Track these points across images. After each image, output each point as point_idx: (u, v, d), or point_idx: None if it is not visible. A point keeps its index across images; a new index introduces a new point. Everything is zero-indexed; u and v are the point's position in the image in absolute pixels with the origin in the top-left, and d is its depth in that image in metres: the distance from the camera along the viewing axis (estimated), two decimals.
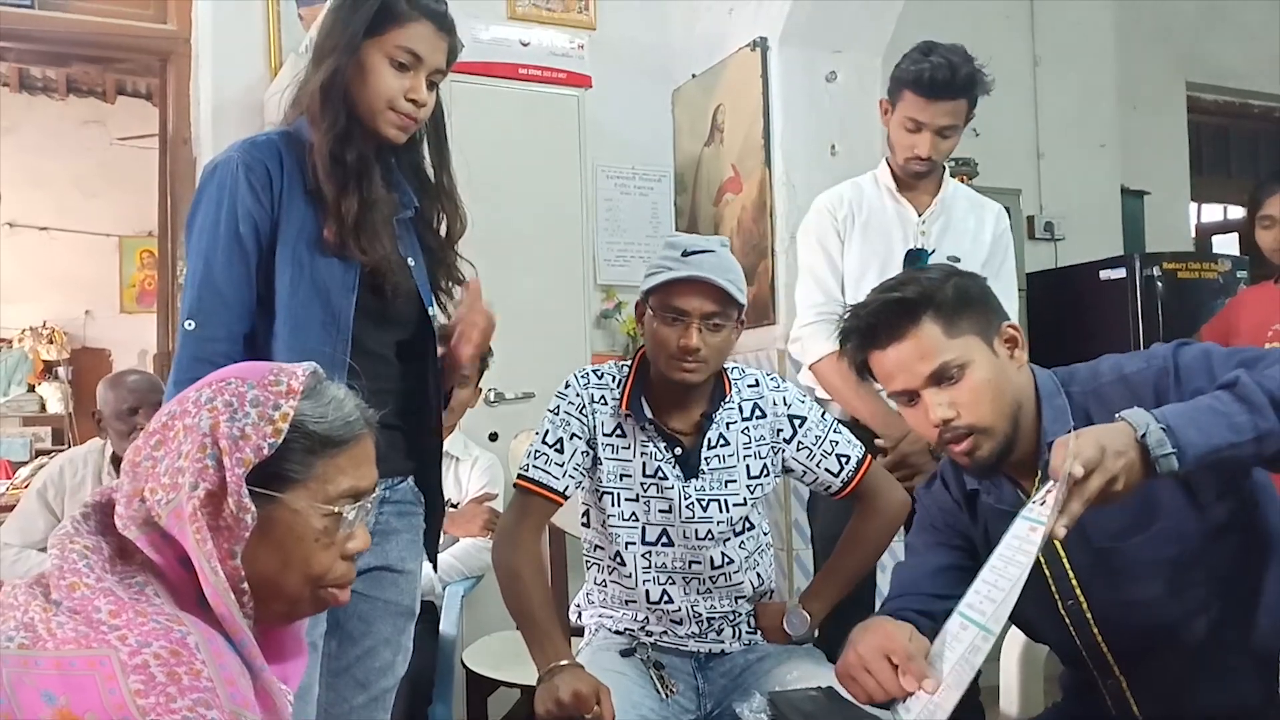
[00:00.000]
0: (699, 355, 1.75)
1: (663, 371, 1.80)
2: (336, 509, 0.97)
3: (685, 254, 1.76)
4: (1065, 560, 1.40)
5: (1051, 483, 1.18)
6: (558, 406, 1.87)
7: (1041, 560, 1.40)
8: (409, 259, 1.64)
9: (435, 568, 1.81)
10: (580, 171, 3.47)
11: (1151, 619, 1.36)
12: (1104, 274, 4.16)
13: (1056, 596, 1.42)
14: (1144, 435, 1.14)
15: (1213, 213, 6.58)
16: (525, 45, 3.41)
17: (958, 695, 1.22)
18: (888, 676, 1.26)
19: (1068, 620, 1.43)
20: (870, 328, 1.39)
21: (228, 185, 1.51)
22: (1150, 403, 1.29)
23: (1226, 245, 6.44)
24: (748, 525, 1.90)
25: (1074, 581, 1.40)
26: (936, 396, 1.35)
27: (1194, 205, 6.02)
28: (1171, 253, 4.27)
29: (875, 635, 1.30)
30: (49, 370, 7.48)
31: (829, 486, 1.91)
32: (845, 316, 1.43)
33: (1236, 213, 6.37)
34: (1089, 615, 1.40)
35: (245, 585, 0.92)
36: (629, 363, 1.90)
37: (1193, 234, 6.03)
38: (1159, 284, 4.06)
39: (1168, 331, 4.01)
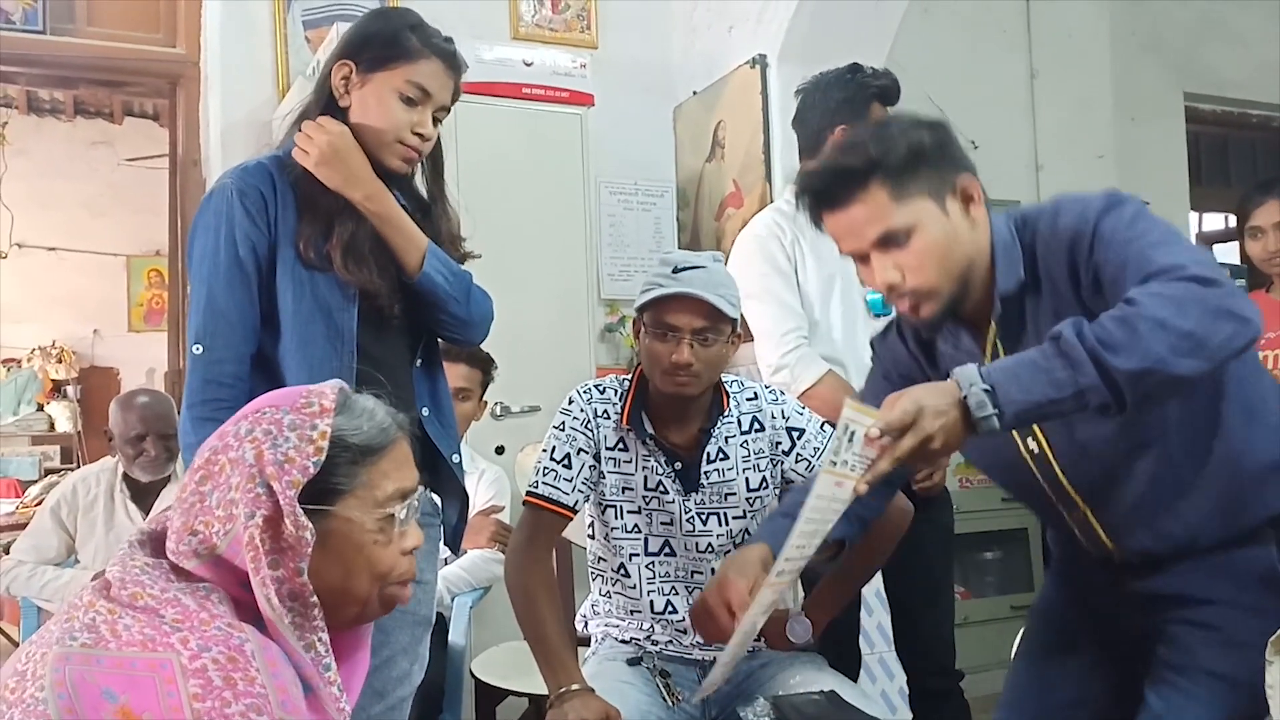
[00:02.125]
0: (691, 370, 1.77)
1: (658, 386, 1.83)
2: (388, 510, 1.02)
3: (676, 270, 1.79)
4: None
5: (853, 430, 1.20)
6: (563, 422, 1.89)
7: None
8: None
9: (455, 551, 1.85)
10: (583, 187, 3.51)
11: (1108, 453, 1.36)
12: None
13: (1018, 439, 1.43)
14: (966, 396, 1.17)
15: (1214, 222, 6.60)
16: (529, 65, 3.45)
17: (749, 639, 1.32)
18: (726, 623, 1.32)
19: (1030, 463, 1.43)
20: (821, 190, 1.38)
21: (224, 212, 1.56)
22: (1064, 265, 1.31)
23: (1227, 254, 6.46)
24: (746, 536, 1.91)
25: (1031, 429, 1.40)
26: (882, 260, 1.36)
27: (1194, 215, 6.05)
28: None
29: (722, 586, 1.35)
30: (58, 389, 7.52)
31: None
32: (798, 179, 1.42)
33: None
34: (1050, 454, 1.41)
35: (315, 599, 0.96)
36: (630, 377, 1.93)
37: (1193, 243, 6.05)
38: None
39: None
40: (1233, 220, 6.61)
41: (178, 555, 0.96)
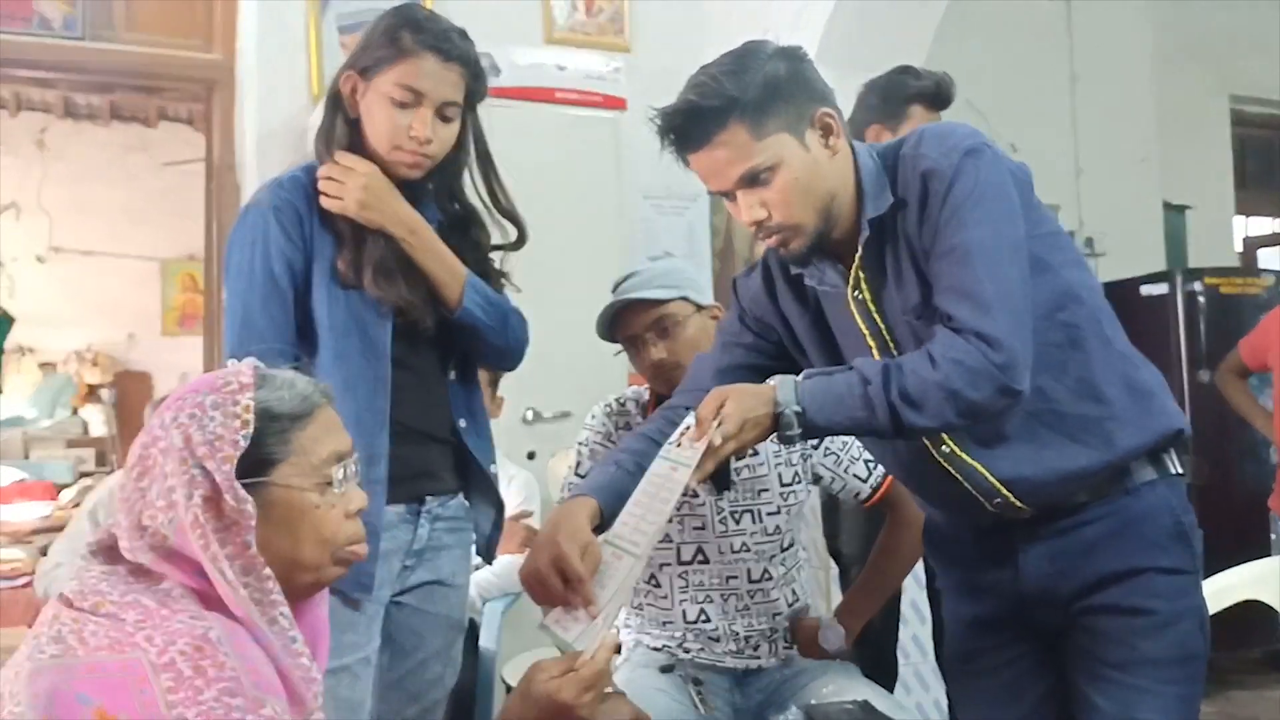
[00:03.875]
0: (666, 362, 1.83)
1: (660, 391, 1.89)
2: (325, 472, 1.04)
3: (615, 289, 1.89)
4: (885, 331, 1.42)
5: (689, 424, 1.31)
6: (586, 439, 1.96)
7: (865, 332, 1.42)
8: None
9: (489, 561, 1.83)
10: (617, 192, 3.50)
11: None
12: (1145, 290, 4.12)
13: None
14: (781, 412, 1.28)
15: (1260, 226, 6.50)
16: (562, 69, 3.45)
17: (611, 626, 1.29)
18: (559, 590, 1.30)
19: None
20: (681, 131, 1.37)
21: (259, 227, 1.56)
22: (917, 190, 1.33)
23: (1273, 259, 6.36)
24: (787, 544, 1.92)
25: (894, 351, 1.41)
26: (747, 198, 1.36)
27: (1240, 218, 5.97)
28: (1213, 268, 4.24)
29: (549, 548, 1.31)
30: (92, 393, 7.62)
31: (858, 493, 1.93)
32: (656, 118, 1.39)
33: None
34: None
35: (268, 571, 0.97)
36: (647, 387, 1.96)
37: (1239, 247, 5.97)
38: (1201, 299, 4.02)
39: (1210, 347, 3.97)
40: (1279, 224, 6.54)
41: (132, 553, 0.97)
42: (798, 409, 1.27)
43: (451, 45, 1.56)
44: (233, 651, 0.90)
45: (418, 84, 1.54)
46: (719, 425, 1.26)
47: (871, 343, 1.42)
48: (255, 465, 0.99)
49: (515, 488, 2.95)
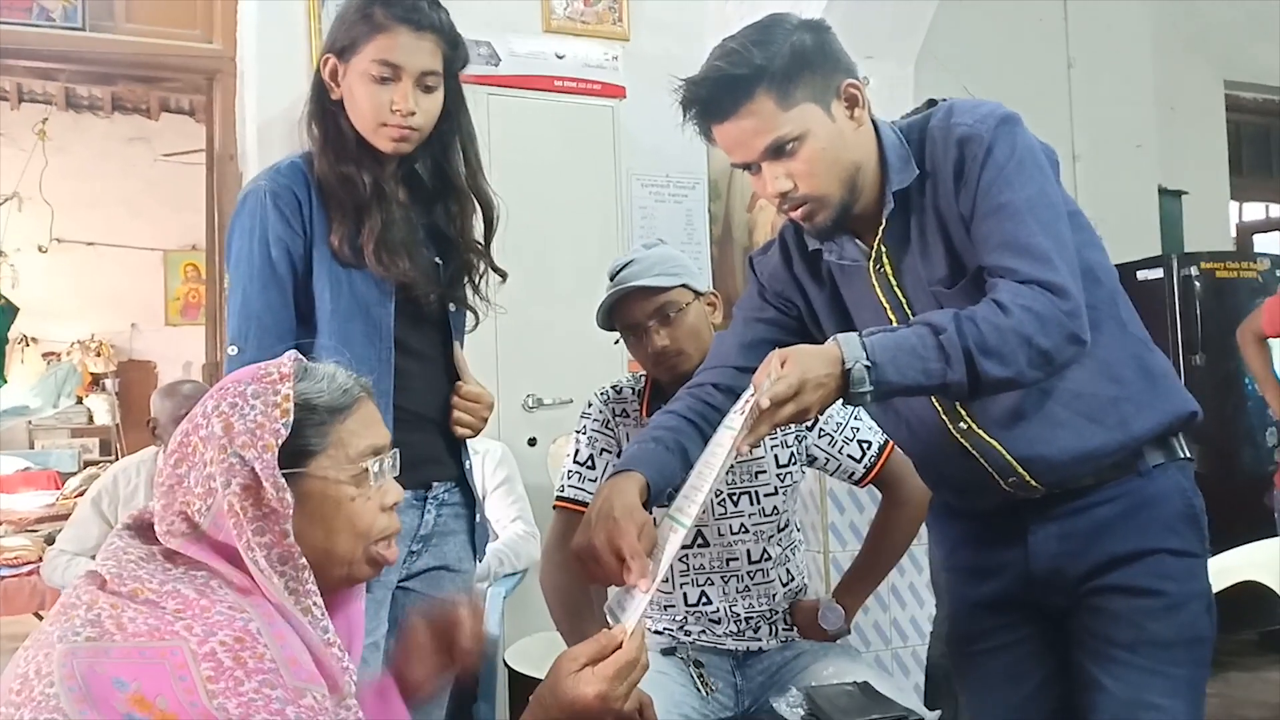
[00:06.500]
0: (670, 350, 1.84)
1: (658, 378, 1.91)
2: (361, 465, 1.04)
3: (612, 277, 1.89)
4: (906, 304, 1.42)
5: (753, 390, 1.22)
6: (584, 426, 1.96)
7: (885, 306, 1.42)
8: (436, 259, 1.66)
9: (480, 558, 1.83)
10: (615, 180, 3.52)
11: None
12: (1141, 274, 4.13)
13: (938, 405, 1.43)
14: (849, 369, 1.21)
15: (1255, 211, 6.52)
16: (560, 58, 3.47)
17: (654, 589, 1.24)
18: (614, 570, 1.27)
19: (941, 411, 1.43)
20: (707, 101, 1.35)
21: (258, 214, 1.54)
22: (951, 159, 1.32)
23: (1270, 244, 6.38)
24: (784, 524, 1.93)
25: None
26: (773, 169, 1.35)
27: (1235, 204, 5.98)
28: (1209, 252, 4.24)
29: (605, 524, 1.28)
30: (96, 382, 7.65)
31: (852, 473, 1.94)
32: (681, 88, 1.36)
33: (1278, 211, 6.31)
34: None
35: (304, 561, 0.97)
36: (644, 374, 1.97)
37: (1234, 233, 5.98)
38: (1197, 283, 4.03)
39: (1206, 331, 3.99)
40: (1274, 210, 6.55)
41: (166, 538, 0.97)
42: (868, 364, 1.21)
43: (422, 15, 1.54)
44: (272, 642, 0.90)
45: (394, 57, 1.52)
46: (771, 385, 1.19)
47: (892, 316, 1.41)
48: (293, 456, 0.99)
49: (491, 461, 2.94)
